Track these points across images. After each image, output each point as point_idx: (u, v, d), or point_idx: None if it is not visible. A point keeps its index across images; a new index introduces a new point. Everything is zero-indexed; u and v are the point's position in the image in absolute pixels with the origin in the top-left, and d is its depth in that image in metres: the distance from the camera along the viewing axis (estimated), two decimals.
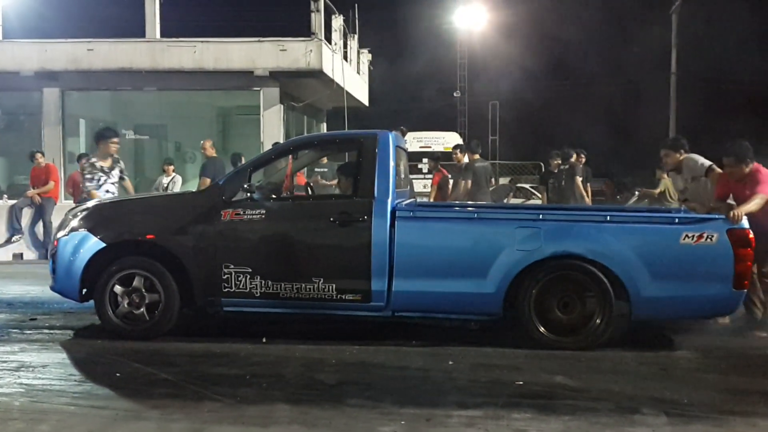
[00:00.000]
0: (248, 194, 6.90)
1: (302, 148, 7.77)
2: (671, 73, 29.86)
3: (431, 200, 14.01)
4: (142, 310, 6.96)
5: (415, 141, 18.85)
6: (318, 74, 15.85)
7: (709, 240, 6.53)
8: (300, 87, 17.15)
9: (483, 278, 6.69)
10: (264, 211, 6.92)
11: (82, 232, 7.07)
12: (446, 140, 19.19)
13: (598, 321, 6.59)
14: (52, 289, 7.30)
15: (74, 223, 7.18)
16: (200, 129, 18.15)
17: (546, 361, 6.24)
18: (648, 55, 30.43)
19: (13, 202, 14.49)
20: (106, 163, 8.79)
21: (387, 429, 4.64)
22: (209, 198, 7.08)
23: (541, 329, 6.65)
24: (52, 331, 7.36)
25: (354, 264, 6.80)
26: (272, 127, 16.37)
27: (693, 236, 6.56)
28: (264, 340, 6.94)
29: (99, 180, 8.67)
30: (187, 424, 4.70)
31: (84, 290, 7.11)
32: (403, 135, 7.99)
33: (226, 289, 6.92)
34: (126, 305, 6.96)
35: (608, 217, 6.79)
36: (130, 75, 16.12)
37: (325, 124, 21.49)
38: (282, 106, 16.56)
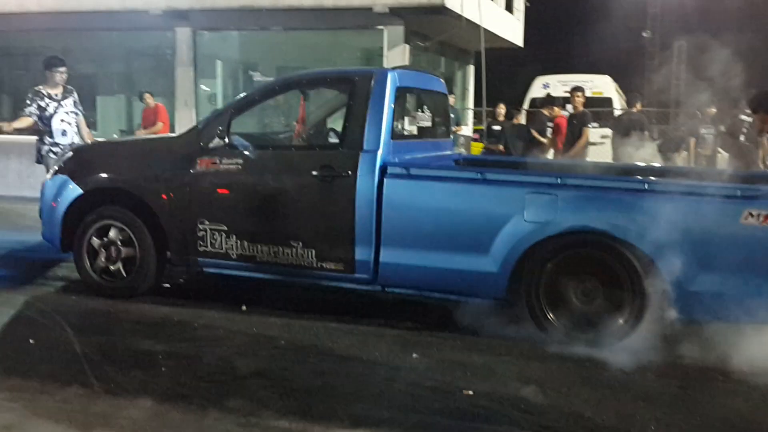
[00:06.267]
0: (223, 140, 6.02)
1: (289, 88, 6.66)
2: None
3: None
4: (118, 265, 6.36)
5: (560, 85, 16.96)
6: (441, 10, 14.55)
7: None
8: (429, 25, 15.92)
9: (485, 254, 5.41)
10: (241, 161, 6.01)
11: (63, 176, 6.54)
12: (594, 84, 17.16)
13: (624, 316, 5.16)
14: (43, 236, 6.86)
15: (58, 166, 6.68)
16: None
17: (536, 363, 4.93)
18: None
19: None
20: (55, 92, 8.50)
21: None
22: (187, 144, 6.24)
23: (550, 317, 5.32)
24: (43, 281, 6.94)
25: (335, 228, 5.75)
26: None
27: (759, 215, 4.89)
28: (244, 308, 6.11)
29: (47, 107, 8.42)
30: (11, 415, 3.97)
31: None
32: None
33: (202, 248, 6.13)
34: (103, 259, 6.39)
35: (646, 185, 5.24)
36: (253, 13, 15.66)
37: (472, 67, 20.08)
38: (408, 46, 15.44)
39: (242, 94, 6.40)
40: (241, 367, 4.72)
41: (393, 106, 5.83)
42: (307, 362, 4.86)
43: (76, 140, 9.00)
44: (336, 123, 6.71)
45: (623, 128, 10.82)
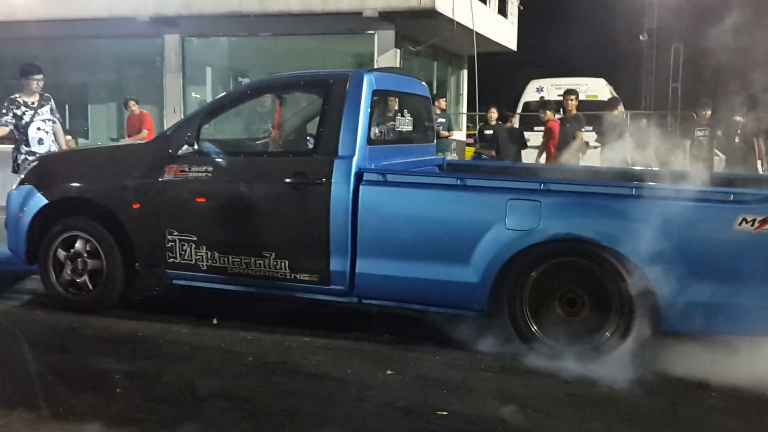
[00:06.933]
0: (192, 147, 5.75)
1: (262, 92, 6.45)
2: None
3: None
4: (84, 278, 6.09)
5: (553, 88, 16.64)
6: (432, 14, 14.29)
7: None
8: (420, 29, 15.65)
9: (465, 264, 5.13)
10: (211, 169, 5.74)
11: (29, 186, 6.27)
12: (589, 87, 16.84)
13: (611, 328, 4.88)
14: (8, 248, 6.58)
15: (23, 175, 6.42)
16: None
17: (518, 379, 4.65)
18: None
19: None
20: (31, 100, 8.27)
21: None
22: (155, 151, 5.98)
23: (534, 329, 5.03)
24: (9, 295, 6.67)
25: (310, 237, 5.48)
26: None
27: (753, 221, 4.61)
28: (215, 321, 5.84)
29: (23, 115, 8.19)
30: None
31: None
32: None
33: (171, 260, 5.85)
34: (69, 272, 6.12)
35: (634, 191, 4.96)
36: (242, 19, 15.42)
37: (465, 71, 19.82)
38: (399, 50, 15.19)
39: (213, 99, 6.14)
40: (201, 388, 4.43)
41: (369, 110, 5.56)
42: (274, 381, 4.57)
43: (53, 148, 8.72)
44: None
45: (605, 131, 10.53)
